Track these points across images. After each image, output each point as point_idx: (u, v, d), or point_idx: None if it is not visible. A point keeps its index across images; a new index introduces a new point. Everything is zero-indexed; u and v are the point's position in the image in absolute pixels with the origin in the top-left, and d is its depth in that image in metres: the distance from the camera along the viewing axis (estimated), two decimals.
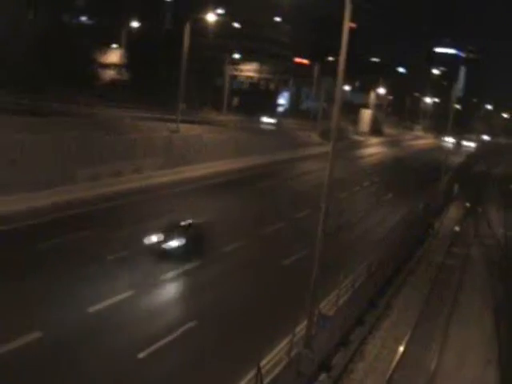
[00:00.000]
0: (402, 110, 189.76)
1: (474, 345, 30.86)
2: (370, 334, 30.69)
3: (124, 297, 27.61)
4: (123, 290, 28.12)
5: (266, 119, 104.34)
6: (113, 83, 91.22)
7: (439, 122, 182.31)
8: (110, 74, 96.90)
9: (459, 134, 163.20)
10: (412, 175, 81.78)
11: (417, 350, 29.45)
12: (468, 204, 74.12)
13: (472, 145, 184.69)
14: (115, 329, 24.79)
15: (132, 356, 22.58)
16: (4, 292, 25.89)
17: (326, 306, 29.95)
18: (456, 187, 78.77)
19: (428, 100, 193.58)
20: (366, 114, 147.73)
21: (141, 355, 22.68)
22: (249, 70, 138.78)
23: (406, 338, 30.37)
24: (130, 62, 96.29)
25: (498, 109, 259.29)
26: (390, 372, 26.53)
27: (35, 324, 23.43)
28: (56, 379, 20.40)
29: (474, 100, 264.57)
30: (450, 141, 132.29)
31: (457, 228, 58.14)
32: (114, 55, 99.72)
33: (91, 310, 25.71)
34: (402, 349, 29.07)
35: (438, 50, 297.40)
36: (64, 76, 71.34)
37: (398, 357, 28.17)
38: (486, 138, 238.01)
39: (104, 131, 51.91)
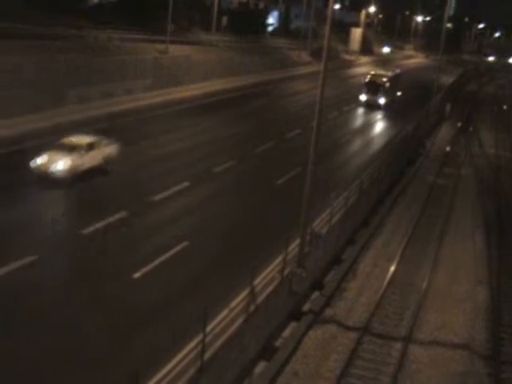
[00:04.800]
0: (392, 29, 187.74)
1: (465, 264, 31.08)
2: (362, 253, 30.86)
3: (117, 218, 27.66)
4: (117, 210, 28.15)
5: None
6: (101, 5, 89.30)
7: (430, 41, 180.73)
8: None
9: (451, 54, 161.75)
10: (403, 95, 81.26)
11: (408, 268, 29.63)
12: (460, 124, 73.89)
13: None
14: (109, 250, 24.79)
15: (128, 277, 22.71)
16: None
17: (319, 225, 30.07)
18: (448, 107, 78.37)
19: (419, 19, 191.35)
20: (357, 33, 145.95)
21: (136, 275, 22.82)
22: None
23: (398, 257, 30.54)
24: None
25: (490, 27, 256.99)
26: (382, 290, 26.75)
27: (31, 247, 23.51)
28: (46, 298, 20.54)
29: (466, 19, 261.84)
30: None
31: (448, 148, 58.01)
32: None
33: (85, 231, 25.78)
34: (393, 268, 29.25)
35: None
36: None
37: (389, 275, 28.36)
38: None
39: (93, 53, 51.22)
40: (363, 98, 72.14)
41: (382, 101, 71.62)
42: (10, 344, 17.72)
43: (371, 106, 70.83)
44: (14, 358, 17.19)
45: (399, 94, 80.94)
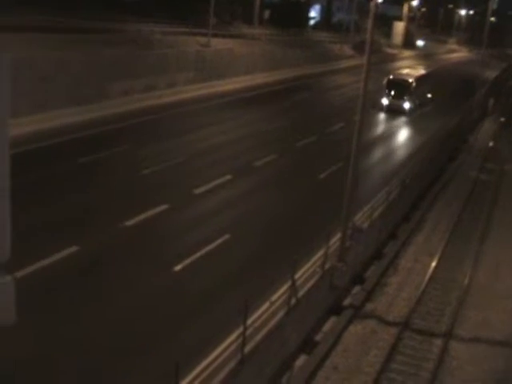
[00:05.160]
0: (435, 23, 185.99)
1: (507, 261, 30.79)
2: (403, 248, 30.77)
3: (159, 211, 27.88)
4: (158, 203, 28.37)
5: None
6: None
7: (473, 35, 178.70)
8: None
9: (494, 48, 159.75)
10: (446, 89, 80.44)
11: (450, 265, 29.47)
12: (502, 119, 73.04)
13: None
14: (151, 242, 25.06)
15: (168, 269, 22.87)
16: (44, 206, 26.25)
17: (361, 219, 30.05)
18: (491, 101, 77.51)
19: (462, 12, 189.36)
20: (399, 27, 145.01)
21: (177, 268, 22.99)
22: None
23: (439, 253, 30.39)
24: None
25: None
26: (423, 286, 26.67)
27: (73, 238, 23.76)
28: (93, 289, 20.78)
29: (510, 13, 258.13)
30: None
31: (491, 143, 57.40)
32: None
33: (127, 223, 26.02)
34: (434, 263, 29.11)
35: None
36: None
37: (431, 271, 28.25)
38: None
39: (136, 47, 51.62)
40: (384, 101, 60.76)
41: (407, 105, 60.88)
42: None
43: (394, 112, 60.00)
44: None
45: (429, 96, 69.29)
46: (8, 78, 7.48)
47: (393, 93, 60.55)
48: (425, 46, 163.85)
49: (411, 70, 69.64)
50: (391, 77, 62.20)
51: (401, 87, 60.82)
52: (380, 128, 55.71)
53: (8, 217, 8.47)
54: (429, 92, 68.77)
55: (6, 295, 9.08)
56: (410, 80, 62.09)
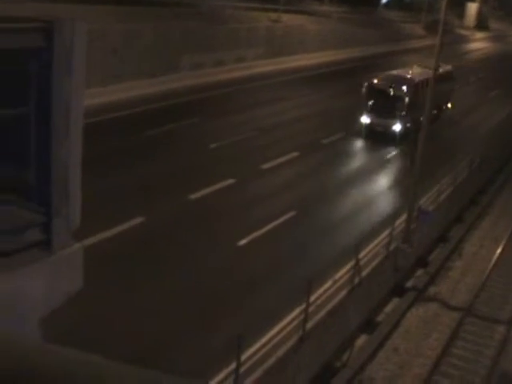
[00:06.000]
0: (509, 4, 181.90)
1: None
2: (469, 233, 30.47)
3: (225, 185, 28.06)
4: (225, 178, 28.55)
5: None
6: None
7: None
8: None
9: None
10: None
11: None
12: None
13: None
14: (216, 216, 25.26)
15: (233, 243, 23.08)
16: (111, 177, 26.66)
17: (427, 201, 29.81)
18: None
19: None
20: (472, 8, 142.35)
21: (242, 242, 23.18)
22: None
23: (505, 240, 30.00)
24: None
25: None
26: (487, 271, 26.41)
27: (138, 210, 24.11)
28: (155, 262, 21.06)
29: None
30: None
31: None
32: None
33: (193, 196, 26.27)
34: (500, 250, 28.77)
35: None
36: None
37: (495, 257, 27.94)
38: None
39: (207, 21, 51.76)
40: (365, 119, 39.30)
41: (397, 127, 38.71)
42: None
43: (377, 136, 38.75)
44: None
45: (449, 105, 48.01)
46: (85, 45, 7.65)
47: (377, 107, 39.16)
48: (498, 28, 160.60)
49: (415, 69, 44.85)
50: (375, 81, 40.14)
51: (389, 99, 39.10)
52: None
53: (79, 187, 8.71)
54: (445, 102, 46.54)
55: (75, 262, 9.36)
56: (404, 87, 39.27)
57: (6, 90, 7.04)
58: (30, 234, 8.15)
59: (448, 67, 46.22)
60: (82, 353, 1.87)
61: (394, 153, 36.74)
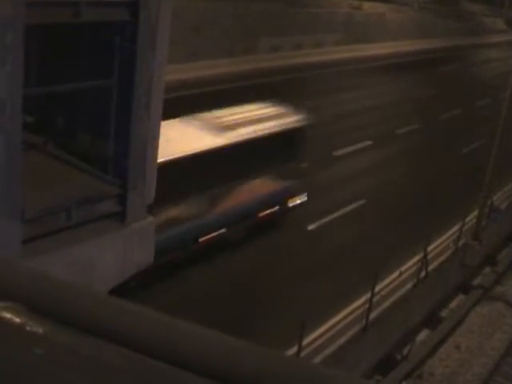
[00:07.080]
0: None
1: None
2: None
3: None
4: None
5: None
6: None
7: None
8: None
9: None
10: None
11: None
12: None
13: None
14: None
15: (302, 227, 23.09)
16: None
17: (500, 199, 29.31)
18: None
19: None
20: None
21: (311, 227, 23.18)
22: None
23: None
24: None
25: None
26: None
27: None
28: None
29: None
30: None
31: None
32: None
33: None
34: None
35: None
36: None
37: None
38: None
39: (286, 4, 51.63)
40: None
41: None
42: None
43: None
44: None
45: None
46: (170, 21, 7.72)
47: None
48: None
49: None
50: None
51: None
52: None
53: (156, 162, 8.81)
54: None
55: (147, 235, 9.51)
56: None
57: (93, 62, 7.19)
58: (105, 206, 8.31)
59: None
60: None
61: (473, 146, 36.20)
